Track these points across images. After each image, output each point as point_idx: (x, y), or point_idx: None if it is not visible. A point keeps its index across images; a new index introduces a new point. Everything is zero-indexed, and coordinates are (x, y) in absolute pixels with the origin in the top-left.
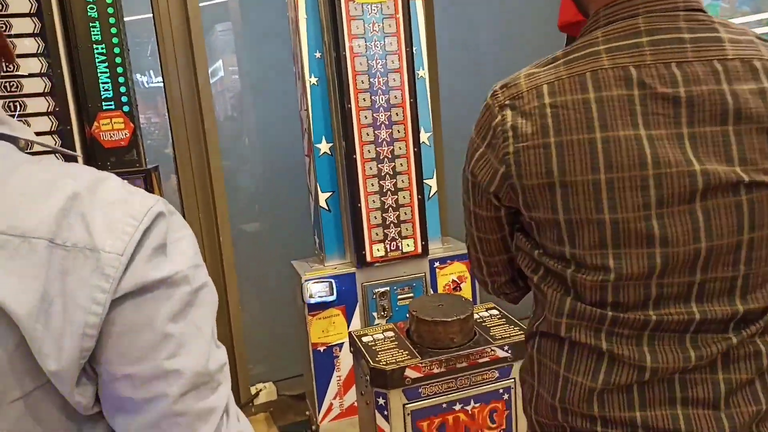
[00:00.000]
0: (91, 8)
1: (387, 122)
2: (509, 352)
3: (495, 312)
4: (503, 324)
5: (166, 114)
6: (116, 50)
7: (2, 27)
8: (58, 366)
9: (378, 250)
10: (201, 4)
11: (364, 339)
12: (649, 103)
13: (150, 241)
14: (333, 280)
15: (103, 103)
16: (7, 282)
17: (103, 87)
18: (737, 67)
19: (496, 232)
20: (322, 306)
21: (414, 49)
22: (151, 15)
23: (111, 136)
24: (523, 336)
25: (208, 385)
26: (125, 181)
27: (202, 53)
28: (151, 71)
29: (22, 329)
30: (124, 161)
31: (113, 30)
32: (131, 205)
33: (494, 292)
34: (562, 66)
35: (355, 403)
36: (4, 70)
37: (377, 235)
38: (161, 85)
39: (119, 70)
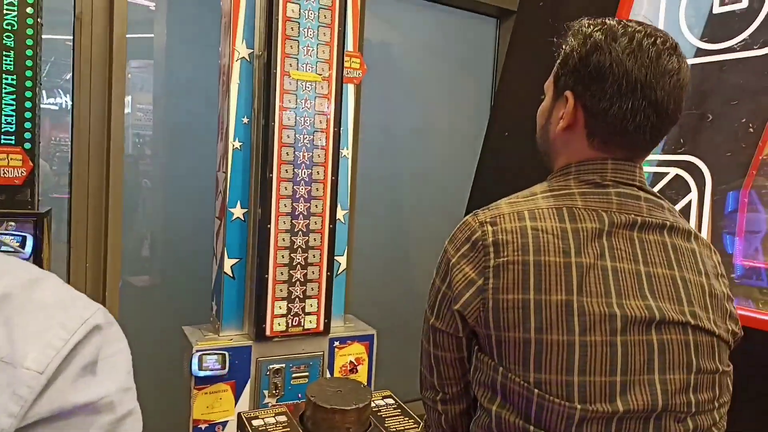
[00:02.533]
0: (8, 36)
1: (306, 196)
2: None
3: (390, 401)
4: (398, 414)
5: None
6: (28, 83)
7: None
8: None
9: (279, 324)
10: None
11: (255, 423)
12: (614, 238)
13: (79, 358)
14: (227, 353)
15: (2, 137)
16: None
17: (5, 120)
18: (678, 230)
19: (455, 351)
20: (211, 380)
21: (341, 129)
22: (71, 38)
23: (4, 173)
24: (417, 429)
25: None
26: (66, 283)
27: (121, 84)
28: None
29: None
30: (14, 201)
31: (29, 63)
32: (65, 313)
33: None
34: (541, 200)
35: None
36: None
37: (280, 308)
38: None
39: (27, 104)
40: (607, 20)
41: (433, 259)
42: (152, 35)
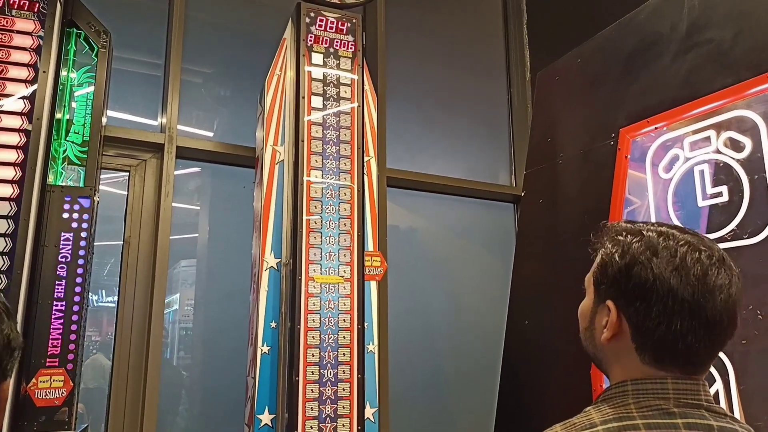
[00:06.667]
0: (61, 267)
1: (333, 397)
2: None
3: None
4: None
5: (111, 334)
6: (75, 308)
7: None
8: None
9: None
10: (172, 237)
11: None
12: None
13: None
14: None
15: (47, 359)
16: None
17: (51, 344)
18: None
19: None
20: None
21: (366, 324)
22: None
23: (46, 395)
24: None
25: None
26: None
27: (162, 289)
28: (103, 291)
29: None
30: (53, 422)
31: (77, 289)
32: None
33: None
34: None
35: None
36: None
37: None
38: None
39: (73, 327)
40: (644, 231)
41: None
42: (196, 234)
